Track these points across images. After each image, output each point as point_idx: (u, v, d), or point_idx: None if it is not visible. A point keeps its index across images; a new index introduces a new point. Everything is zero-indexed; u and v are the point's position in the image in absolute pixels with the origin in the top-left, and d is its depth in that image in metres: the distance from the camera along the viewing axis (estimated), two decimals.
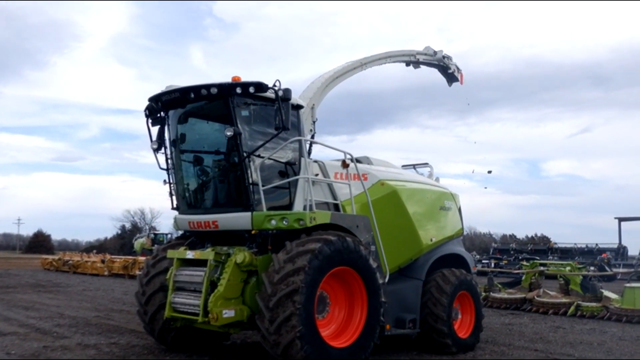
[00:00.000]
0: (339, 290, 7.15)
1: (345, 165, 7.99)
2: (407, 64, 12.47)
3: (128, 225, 78.02)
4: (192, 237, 8.19)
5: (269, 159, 7.33)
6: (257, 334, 6.62)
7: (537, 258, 30.48)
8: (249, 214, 7.06)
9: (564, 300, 14.52)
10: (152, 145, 7.97)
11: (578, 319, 13.35)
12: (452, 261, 9.45)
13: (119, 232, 77.30)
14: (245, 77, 7.04)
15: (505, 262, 34.59)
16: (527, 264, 20.80)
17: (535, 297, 14.94)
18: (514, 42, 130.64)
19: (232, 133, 6.98)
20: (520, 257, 34.65)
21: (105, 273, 27.76)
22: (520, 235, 62.23)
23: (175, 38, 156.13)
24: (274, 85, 7.03)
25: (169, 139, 8.00)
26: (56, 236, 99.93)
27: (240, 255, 6.86)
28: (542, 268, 17.67)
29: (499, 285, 17.02)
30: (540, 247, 41.69)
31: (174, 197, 8.16)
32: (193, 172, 7.97)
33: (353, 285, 7.13)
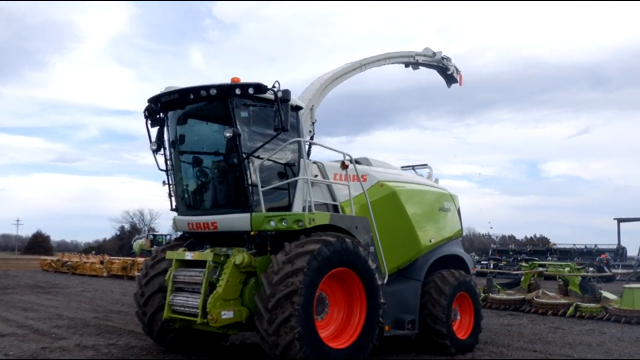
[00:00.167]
0: (338, 291, 7.15)
1: (344, 166, 8.00)
2: (406, 65, 12.49)
3: (127, 227, 78.12)
4: (191, 238, 8.19)
5: (268, 160, 7.33)
6: (256, 335, 6.61)
7: (536, 259, 30.49)
8: (248, 215, 7.06)
9: (563, 301, 14.52)
10: (152, 146, 7.97)
11: (577, 320, 13.37)
12: (451, 262, 9.46)
13: (118, 233, 77.31)
14: (245, 78, 7.06)
15: (505, 263, 34.63)
16: (526, 264, 20.82)
17: (535, 298, 14.94)
18: (513, 43, 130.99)
19: (231, 134, 6.98)
20: (519, 258, 34.70)
21: (104, 274, 27.74)
22: (520, 236, 62.37)
23: (175, 39, 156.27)
24: (273, 87, 7.03)
25: (168, 140, 8.00)
26: (55, 237, 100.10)
27: (239, 256, 6.86)
28: (541, 269, 17.67)
29: (498, 286, 17.03)
30: (539, 247, 41.81)
31: (173, 198, 8.16)
32: (192, 173, 7.97)
33: (352, 286, 7.13)
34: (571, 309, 13.90)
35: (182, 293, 7.28)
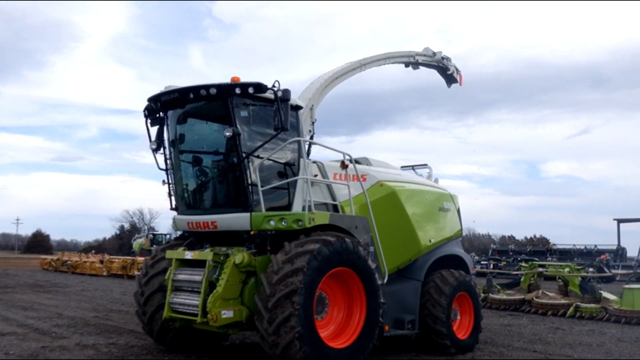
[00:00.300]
0: (337, 291, 7.15)
1: (344, 166, 8.00)
2: (407, 65, 12.49)
3: (127, 226, 78.09)
4: (191, 238, 8.19)
5: (268, 159, 7.32)
6: (256, 334, 6.61)
7: (536, 259, 30.47)
8: (247, 214, 7.06)
9: (562, 301, 14.52)
10: (151, 146, 7.97)
11: (577, 320, 13.36)
12: (451, 262, 9.46)
13: (118, 232, 77.29)
14: (245, 78, 7.05)
15: (504, 263, 34.62)
16: (526, 265, 20.81)
17: (534, 298, 14.94)
18: (512, 43, 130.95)
19: (231, 133, 6.98)
20: (519, 258, 34.69)
21: (104, 273, 27.74)
22: (519, 236, 62.37)
23: (175, 38, 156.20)
24: (273, 86, 7.02)
25: (168, 140, 7.99)
26: (55, 236, 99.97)
27: (239, 255, 6.86)
28: (541, 269, 17.66)
29: (498, 287, 17.02)
30: (539, 248, 41.79)
31: (172, 198, 8.16)
32: (192, 172, 7.97)
33: (352, 286, 7.13)
34: (571, 309, 13.90)
35: (182, 292, 7.28)
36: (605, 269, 27.81)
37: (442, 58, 12.84)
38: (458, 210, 10.31)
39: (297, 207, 7.39)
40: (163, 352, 8.16)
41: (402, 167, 10.65)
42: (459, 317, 9.15)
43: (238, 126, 7.06)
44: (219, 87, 7.00)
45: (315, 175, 7.95)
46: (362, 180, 8.21)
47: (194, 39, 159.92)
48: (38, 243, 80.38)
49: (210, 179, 7.81)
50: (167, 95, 7.49)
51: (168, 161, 8.03)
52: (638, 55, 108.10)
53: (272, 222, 6.92)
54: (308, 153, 8.13)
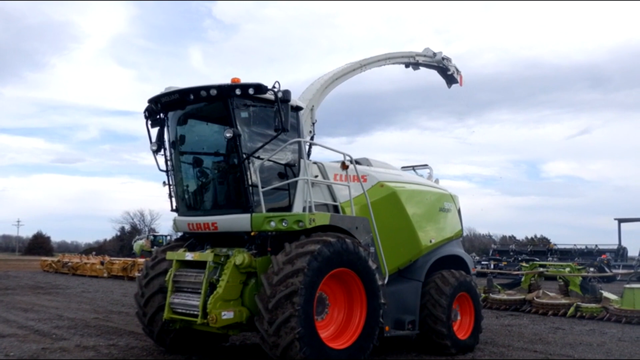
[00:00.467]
0: (338, 291, 7.14)
1: (344, 166, 8.00)
2: (407, 65, 12.49)
3: (127, 227, 78.12)
4: (192, 239, 8.19)
5: (269, 160, 7.33)
6: (256, 335, 6.61)
7: (537, 259, 30.50)
8: (248, 215, 7.06)
9: (563, 301, 14.51)
10: (152, 147, 7.97)
11: (577, 320, 13.36)
12: (452, 262, 9.45)
13: (118, 233, 77.36)
14: (245, 79, 7.05)
15: (505, 263, 34.61)
16: (527, 265, 20.81)
17: (535, 298, 14.93)
18: (512, 44, 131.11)
19: (231, 134, 6.98)
20: (519, 259, 34.67)
21: (105, 275, 27.75)
22: (520, 236, 62.37)
23: (175, 39, 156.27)
24: (273, 87, 7.03)
25: (169, 141, 8.00)
26: (55, 238, 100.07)
27: (240, 256, 6.86)
28: (541, 269, 17.67)
29: (499, 287, 17.02)
30: (539, 248, 41.76)
31: (173, 199, 8.16)
32: (192, 173, 7.97)
33: (352, 287, 7.13)
34: (572, 309, 13.89)
35: (182, 293, 7.28)
36: (606, 269, 27.79)
37: (443, 58, 12.84)
38: (459, 211, 10.31)
39: (297, 208, 7.39)
40: (163, 353, 8.17)
41: (402, 167, 10.66)
42: (459, 318, 9.15)
43: (238, 127, 7.06)
44: (219, 88, 7.00)
45: (316, 176, 7.95)
46: (362, 181, 8.20)
47: (194, 40, 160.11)
48: (39, 245, 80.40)
49: (211, 180, 7.82)
50: (167, 97, 7.49)
51: (168, 162, 8.04)
52: (638, 55, 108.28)
53: (272, 223, 6.92)
54: (308, 154, 8.13)
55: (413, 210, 8.94)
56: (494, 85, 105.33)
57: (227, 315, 6.66)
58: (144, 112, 7.93)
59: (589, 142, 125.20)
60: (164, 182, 8.13)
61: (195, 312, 6.87)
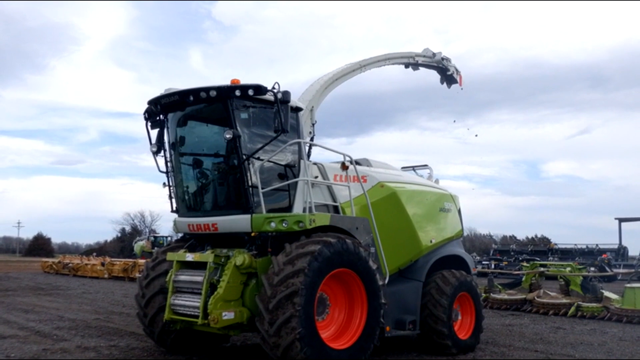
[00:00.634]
0: (338, 291, 7.15)
1: (344, 167, 8.00)
2: (406, 66, 12.48)
3: (128, 228, 78.19)
4: (192, 240, 8.20)
5: (269, 161, 7.33)
6: (257, 336, 6.62)
7: (538, 259, 30.48)
8: (248, 216, 7.06)
9: (564, 301, 14.51)
10: (152, 148, 7.98)
11: (578, 320, 13.35)
12: (452, 262, 9.46)
13: (119, 235, 77.42)
14: (244, 80, 7.06)
15: (506, 263, 34.59)
16: (527, 265, 20.80)
17: (536, 298, 14.93)
18: (512, 44, 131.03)
19: (231, 136, 6.99)
20: (520, 258, 34.66)
21: (105, 276, 27.76)
22: (520, 236, 62.36)
23: (174, 41, 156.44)
24: (273, 88, 7.04)
25: (169, 142, 8.00)
26: (56, 239, 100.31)
27: (240, 257, 6.86)
28: (542, 269, 17.67)
29: (499, 286, 17.02)
30: (540, 248, 41.71)
31: (173, 200, 8.17)
32: (192, 174, 7.97)
33: (353, 287, 7.13)
34: (572, 308, 13.89)
35: (183, 294, 7.29)
36: (607, 268, 27.75)
37: (442, 59, 12.83)
38: (459, 211, 10.32)
39: (297, 208, 7.40)
40: (164, 354, 8.17)
41: (402, 167, 10.66)
42: (460, 318, 9.15)
43: (238, 128, 7.07)
44: (218, 89, 7.01)
45: (316, 177, 7.95)
46: (362, 181, 8.21)
47: (194, 41, 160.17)
48: (39, 246, 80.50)
49: (211, 181, 7.82)
50: (167, 98, 7.49)
51: (168, 164, 8.05)
52: (637, 55, 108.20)
53: (272, 224, 6.92)
54: (308, 154, 8.13)
55: (413, 211, 8.95)
56: (493, 85, 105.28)
57: (228, 315, 6.66)
58: (144, 113, 7.94)
59: (589, 142, 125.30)
60: (164, 184, 8.13)
61: (196, 313, 6.87)
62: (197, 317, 6.84)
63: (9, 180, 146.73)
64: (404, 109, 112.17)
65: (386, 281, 7.83)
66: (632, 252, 37.12)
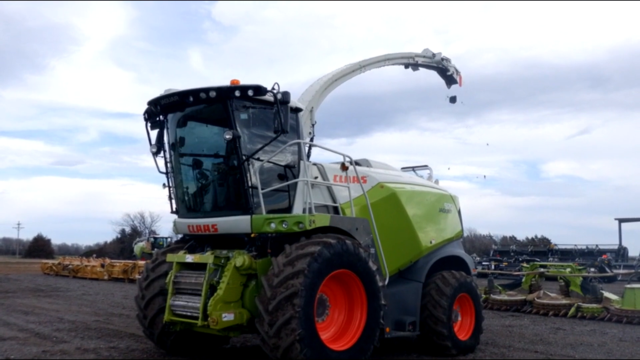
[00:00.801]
0: (338, 293, 7.14)
1: (344, 168, 7.99)
2: (406, 66, 12.49)
3: (128, 229, 78.14)
4: (192, 241, 8.18)
5: (268, 162, 7.33)
6: (257, 337, 6.60)
7: (537, 260, 30.49)
8: (248, 217, 7.05)
9: (564, 301, 14.51)
10: (152, 149, 7.97)
11: (578, 320, 13.35)
12: (452, 263, 9.45)
13: (119, 236, 77.37)
14: (244, 80, 7.05)
15: (505, 263, 34.59)
16: (527, 265, 20.79)
17: (536, 298, 14.93)
18: (512, 44, 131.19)
19: (231, 136, 6.99)
20: (520, 259, 34.66)
21: (105, 277, 27.73)
22: (520, 236, 62.36)
23: (174, 41, 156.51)
24: (273, 88, 7.03)
25: (168, 143, 7.99)
26: (56, 240, 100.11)
27: (240, 258, 6.85)
28: (542, 270, 17.66)
29: (499, 287, 17.01)
30: (540, 248, 41.73)
31: (173, 201, 8.16)
32: (192, 175, 7.96)
33: (353, 288, 7.12)
34: (572, 309, 13.88)
35: (182, 296, 7.27)
36: (607, 269, 27.77)
37: (442, 59, 12.84)
38: (459, 211, 10.31)
39: (297, 209, 7.39)
40: (164, 356, 8.16)
41: (402, 168, 10.65)
42: (460, 318, 9.14)
43: (238, 129, 7.06)
44: (218, 90, 7.00)
45: (316, 177, 7.95)
46: (362, 182, 8.20)
47: (194, 42, 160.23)
48: (39, 247, 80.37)
49: (211, 181, 7.81)
50: (166, 99, 7.49)
51: (168, 164, 8.04)
52: (637, 55, 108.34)
53: (272, 225, 6.91)
54: (308, 155, 8.13)
55: (413, 211, 8.94)
56: (493, 85, 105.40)
57: (228, 317, 6.65)
58: (144, 114, 7.93)
59: (589, 142, 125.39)
60: (164, 184, 8.12)
61: (196, 314, 6.86)
62: (197, 318, 6.83)
63: (8, 181, 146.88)
64: (403, 110, 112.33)
65: (386, 282, 7.82)
66: (632, 253, 37.18)
